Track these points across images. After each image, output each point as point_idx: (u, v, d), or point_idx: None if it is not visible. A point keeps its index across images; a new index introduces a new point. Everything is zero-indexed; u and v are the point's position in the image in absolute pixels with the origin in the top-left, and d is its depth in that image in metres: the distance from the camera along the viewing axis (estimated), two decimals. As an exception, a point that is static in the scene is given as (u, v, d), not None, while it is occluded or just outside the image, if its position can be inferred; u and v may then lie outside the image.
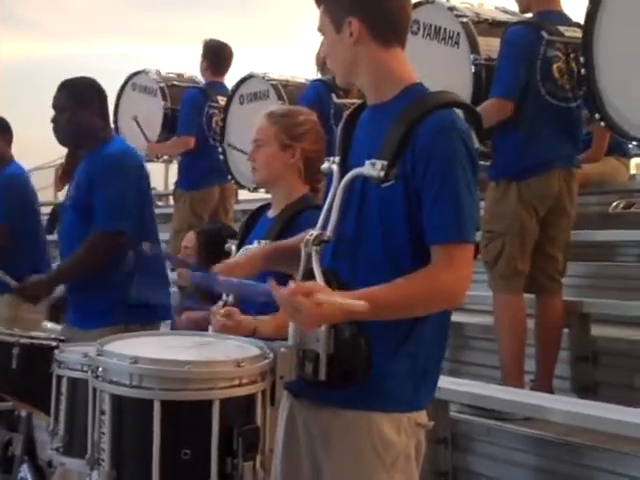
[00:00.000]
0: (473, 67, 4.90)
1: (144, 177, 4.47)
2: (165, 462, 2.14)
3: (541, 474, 3.99)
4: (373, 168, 2.37)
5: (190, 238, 4.88)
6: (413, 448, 2.47)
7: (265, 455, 2.32)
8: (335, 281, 2.39)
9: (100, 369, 2.25)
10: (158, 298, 4.02)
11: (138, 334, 2.62)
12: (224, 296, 3.25)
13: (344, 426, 2.44)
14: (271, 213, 3.37)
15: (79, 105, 4.33)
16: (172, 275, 4.43)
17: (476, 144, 2.51)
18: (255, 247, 3.16)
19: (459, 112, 2.49)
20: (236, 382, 2.21)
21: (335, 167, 2.55)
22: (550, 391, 4.45)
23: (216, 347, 2.48)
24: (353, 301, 2.22)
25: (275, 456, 2.61)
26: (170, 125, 7.53)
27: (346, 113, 2.69)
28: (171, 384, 2.16)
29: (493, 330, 4.71)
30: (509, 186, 4.62)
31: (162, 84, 7.71)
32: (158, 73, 7.91)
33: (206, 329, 3.06)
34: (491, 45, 4.91)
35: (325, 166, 2.61)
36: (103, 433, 2.23)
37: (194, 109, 7.17)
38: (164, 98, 7.66)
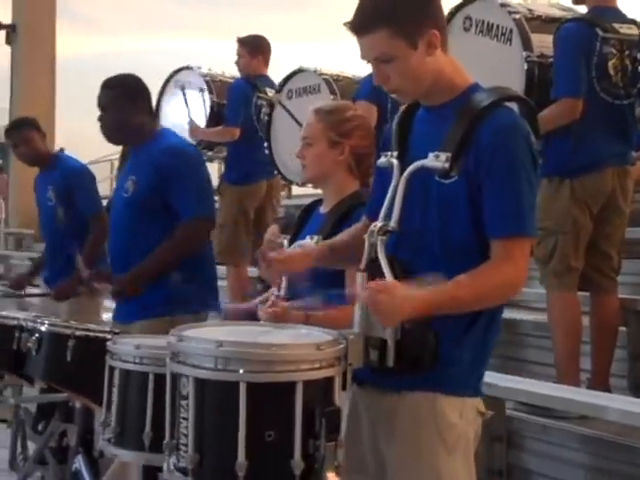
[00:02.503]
0: (526, 64, 4.84)
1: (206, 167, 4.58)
2: (250, 444, 2.16)
3: (596, 473, 3.95)
4: (437, 160, 2.40)
5: (273, 232, 4.81)
6: (472, 434, 2.53)
7: (342, 438, 2.33)
8: (399, 269, 2.42)
9: (181, 354, 2.27)
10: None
11: (206, 324, 2.64)
12: (275, 290, 3.25)
13: (408, 407, 2.49)
14: (323, 209, 3.35)
15: (124, 103, 4.34)
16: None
17: None
18: (307, 242, 3.16)
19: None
20: (317, 365, 2.23)
21: (395, 161, 2.56)
22: (607, 389, 4.41)
23: (294, 333, 2.52)
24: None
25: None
26: (216, 118, 7.39)
27: (401, 108, 2.69)
28: (256, 366, 2.18)
29: (548, 327, 4.67)
30: (562, 184, 4.59)
31: (207, 78, 7.66)
32: (199, 68, 7.86)
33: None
34: (544, 42, 4.85)
35: (383, 160, 2.62)
36: (185, 418, 2.24)
37: (241, 98, 7.01)
38: (210, 91, 7.59)
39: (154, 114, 4.54)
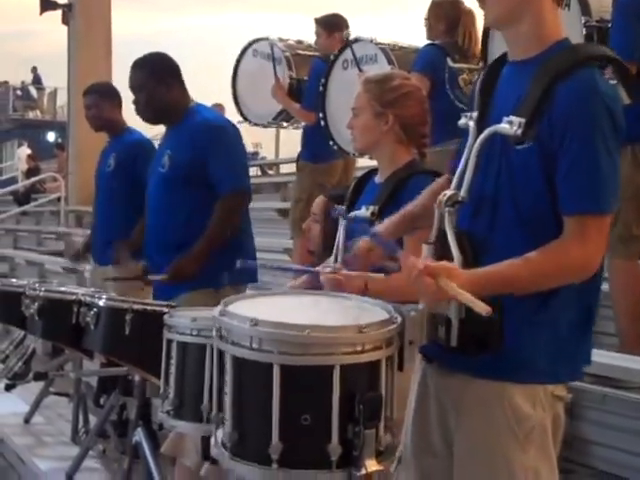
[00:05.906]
0: (584, 29, 4.73)
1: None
2: (285, 426, 2.10)
3: (659, 443, 3.89)
4: (510, 126, 2.26)
5: (318, 203, 4.81)
6: (550, 421, 2.38)
7: (393, 421, 2.27)
8: (468, 244, 2.31)
9: (222, 329, 2.23)
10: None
11: (264, 293, 2.60)
12: (332, 259, 3.24)
13: (475, 396, 2.38)
14: (378, 178, 3.34)
15: (155, 82, 4.40)
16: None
17: (626, 100, 2.39)
18: (362, 212, 3.14)
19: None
20: (359, 348, 2.14)
21: (472, 124, 2.45)
22: (669, 358, 4.33)
23: (342, 310, 2.42)
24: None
25: (406, 422, 2.57)
26: (295, 95, 7.34)
27: (485, 68, 2.60)
28: (291, 348, 2.10)
29: (609, 297, 4.59)
30: (624, 150, 4.46)
31: (287, 53, 7.60)
32: (281, 40, 7.83)
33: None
34: (603, 6, 4.74)
35: (462, 122, 2.50)
36: (226, 393, 2.21)
37: (318, 80, 6.90)
38: (289, 68, 7.55)
39: (185, 90, 4.53)
